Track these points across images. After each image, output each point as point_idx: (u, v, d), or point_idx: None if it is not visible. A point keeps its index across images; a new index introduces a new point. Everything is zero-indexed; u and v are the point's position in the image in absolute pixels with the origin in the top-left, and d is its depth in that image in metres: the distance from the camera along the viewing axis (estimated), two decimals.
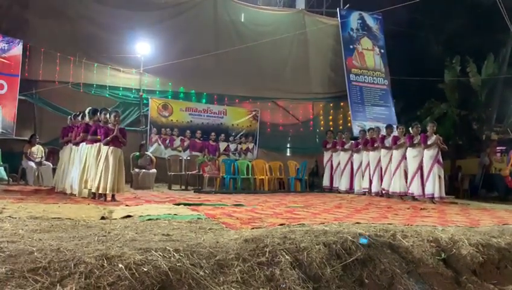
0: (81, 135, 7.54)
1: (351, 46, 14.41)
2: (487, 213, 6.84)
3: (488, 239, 3.92)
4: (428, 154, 8.98)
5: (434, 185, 8.83)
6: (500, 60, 16.04)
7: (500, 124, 16.64)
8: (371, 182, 10.38)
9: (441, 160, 9.12)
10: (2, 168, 10.08)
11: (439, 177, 8.90)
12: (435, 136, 9.08)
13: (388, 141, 9.97)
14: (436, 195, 8.79)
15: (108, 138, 6.93)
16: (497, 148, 17.08)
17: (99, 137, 7.09)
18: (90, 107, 7.96)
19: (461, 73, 16.22)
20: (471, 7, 16.17)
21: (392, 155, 9.75)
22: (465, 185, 14.72)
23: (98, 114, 7.51)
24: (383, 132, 10.44)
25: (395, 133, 10.14)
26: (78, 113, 8.64)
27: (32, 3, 11.55)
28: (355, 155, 11.07)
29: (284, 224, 4.24)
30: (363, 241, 3.34)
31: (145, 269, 2.45)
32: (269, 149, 13.76)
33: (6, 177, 9.98)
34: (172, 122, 12.51)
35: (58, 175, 8.63)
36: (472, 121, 16.94)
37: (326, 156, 11.94)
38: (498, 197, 13.23)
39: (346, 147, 11.36)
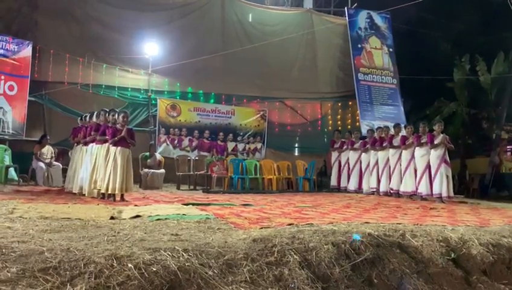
0: (91, 134, 7.58)
1: (359, 45, 14.36)
2: (497, 213, 6.77)
3: (498, 239, 3.89)
4: (435, 154, 8.93)
5: (441, 185, 8.78)
6: (510, 58, 15.86)
7: (511, 122, 16.44)
8: (379, 181, 10.33)
9: (448, 160, 9.05)
10: (12, 168, 10.15)
11: (447, 177, 8.84)
12: (441, 135, 9.02)
13: (397, 141, 9.91)
14: (444, 195, 8.73)
15: (115, 138, 6.97)
16: (508, 147, 16.93)
17: (107, 137, 7.14)
18: (100, 109, 7.98)
19: (471, 71, 16.06)
20: (480, 5, 16.00)
21: (401, 155, 9.70)
22: (475, 185, 14.59)
23: (107, 115, 7.57)
24: (392, 131, 10.39)
25: (403, 132, 10.08)
26: (88, 114, 8.70)
27: (41, 5, 11.65)
28: (363, 155, 11.02)
29: (293, 224, 4.23)
30: (356, 237, 3.33)
31: (154, 269, 2.46)
32: (277, 149, 13.76)
33: (16, 178, 10.05)
34: (180, 122, 12.54)
35: (69, 175, 8.68)
36: (482, 120, 16.78)
37: (334, 155, 11.92)
38: (508, 197, 13.08)
39: (355, 146, 11.32)
